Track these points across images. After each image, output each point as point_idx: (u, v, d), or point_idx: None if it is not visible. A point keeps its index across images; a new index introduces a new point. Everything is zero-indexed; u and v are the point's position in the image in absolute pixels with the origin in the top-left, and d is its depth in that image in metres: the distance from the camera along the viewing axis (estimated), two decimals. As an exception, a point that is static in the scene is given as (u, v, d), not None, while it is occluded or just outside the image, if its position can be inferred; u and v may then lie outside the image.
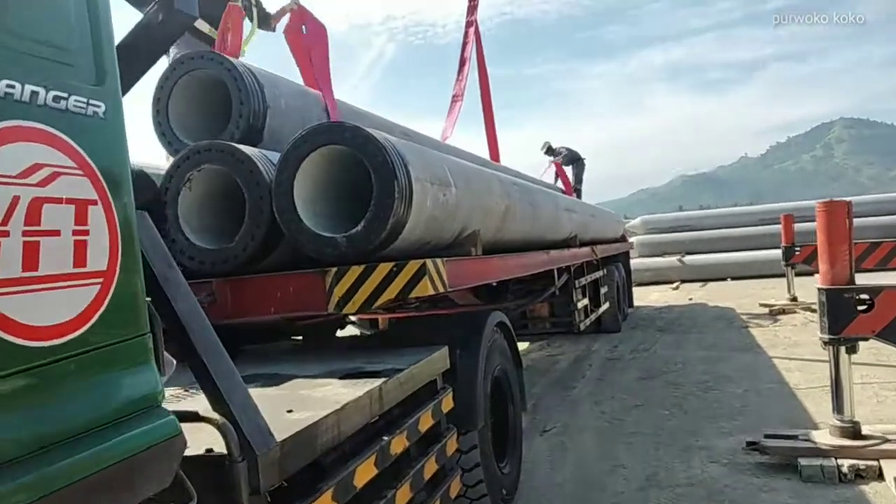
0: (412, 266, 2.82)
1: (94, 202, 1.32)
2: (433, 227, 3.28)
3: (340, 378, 2.56)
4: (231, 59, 3.47)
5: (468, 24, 6.76)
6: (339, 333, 4.95)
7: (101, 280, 1.32)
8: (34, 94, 1.22)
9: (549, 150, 13.37)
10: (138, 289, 1.43)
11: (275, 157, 3.22)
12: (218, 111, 3.63)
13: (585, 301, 7.67)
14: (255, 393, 2.44)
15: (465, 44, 6.65)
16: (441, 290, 2.94)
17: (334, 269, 2.89)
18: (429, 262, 2.84)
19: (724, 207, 31.15)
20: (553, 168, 12.47)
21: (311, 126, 2.99)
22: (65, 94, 1.29)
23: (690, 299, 14.62)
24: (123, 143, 1.44)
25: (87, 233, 1.29)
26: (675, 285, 17.78)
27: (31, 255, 1.17)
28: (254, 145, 3.37)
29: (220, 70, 3.44)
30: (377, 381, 2.39)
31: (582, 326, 7.46)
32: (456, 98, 6.50)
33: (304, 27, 4.27)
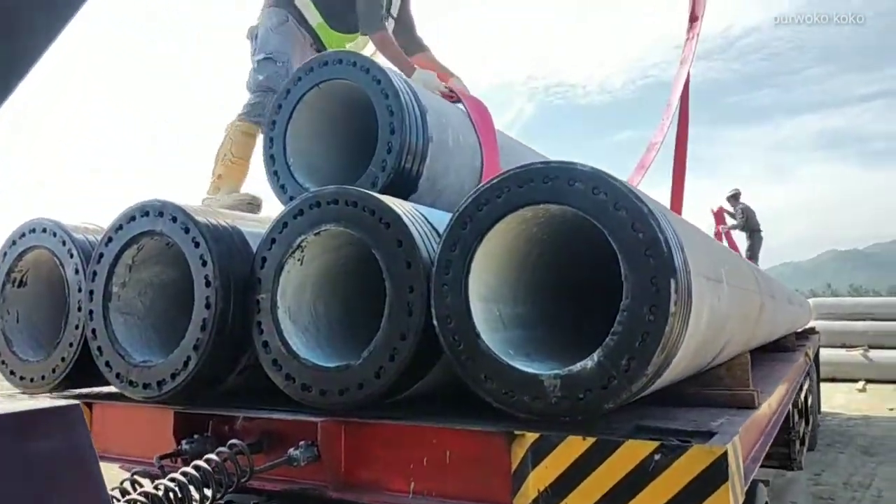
0: (697, 457, 1.39)
1: None
2: (700, 354, 1.85)
3: None
4: (381, 65, 2.29)
5: (682, 62, 5.43)
6: None
7: None
8: None
9: (735, 198, 11.45)
10: None
11: (436, 216, 1.97)
12: (357, 146, 2.47)
13: (803, 425, 5.76)
14: None
15: (675, 85, 5.30)
16: (741, 500, 1.49)
17: (533, 437, 1.53)
18: (730, 448, 1.41)
19: (881, 290, 27.09)
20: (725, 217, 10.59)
21: (510, 170, 1.70)
22: None
23: (892, 409, 11.80)
24: None
25: None
26: (860, 386, 14.79)
27: None
28: (404, 198, 2.15)
29: (364, 80, 2.26)
30: None
31: (802, 461, 5.54)
32: (653, 146, 5.11)
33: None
